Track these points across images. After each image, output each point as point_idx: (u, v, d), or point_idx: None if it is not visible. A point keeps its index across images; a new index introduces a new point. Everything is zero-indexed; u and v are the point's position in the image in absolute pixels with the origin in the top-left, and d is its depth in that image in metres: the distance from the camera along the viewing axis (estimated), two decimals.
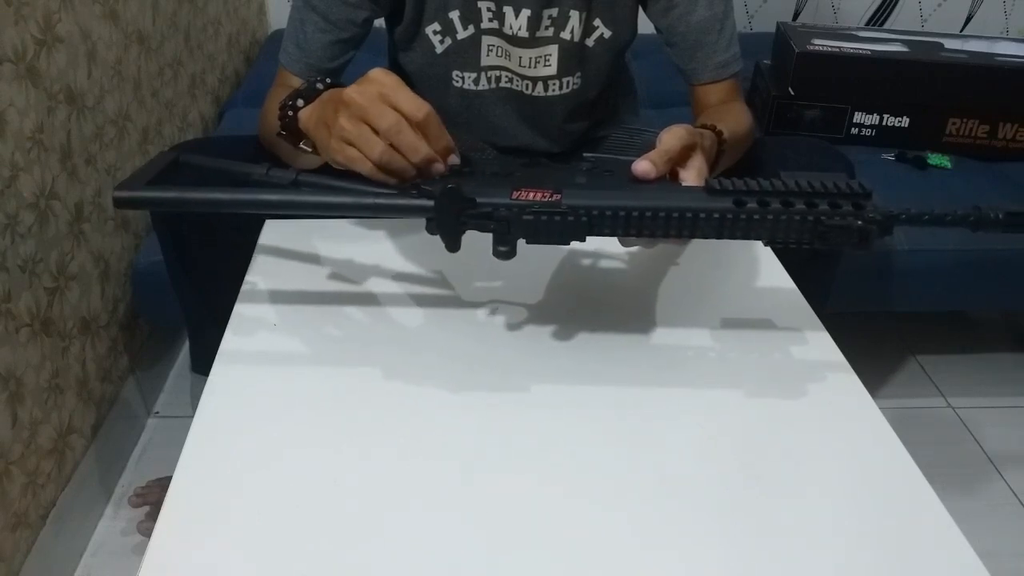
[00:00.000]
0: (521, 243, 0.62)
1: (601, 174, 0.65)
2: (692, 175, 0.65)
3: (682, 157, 0.66)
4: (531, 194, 0.60)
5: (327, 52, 0.91)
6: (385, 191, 0.63)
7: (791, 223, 0.59)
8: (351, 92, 0.63)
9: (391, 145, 0.62)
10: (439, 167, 0.63)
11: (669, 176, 0.65)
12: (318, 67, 0.91)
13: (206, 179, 0.73)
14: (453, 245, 0.62)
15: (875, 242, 0.59)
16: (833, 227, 0.58)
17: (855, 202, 0.59)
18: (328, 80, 0.73)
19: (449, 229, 0.61)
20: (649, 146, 0.65)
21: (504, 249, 0.62)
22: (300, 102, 0.72)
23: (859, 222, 0.58)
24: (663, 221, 0.60)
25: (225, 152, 0.98)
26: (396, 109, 0.62)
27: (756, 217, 0.59)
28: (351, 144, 0.63)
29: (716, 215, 0.59)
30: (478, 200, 0.60)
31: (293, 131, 0.74)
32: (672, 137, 0.65)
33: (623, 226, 0.60)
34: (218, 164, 0.73)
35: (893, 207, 0.60)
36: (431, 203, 0.61)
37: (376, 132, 0.62)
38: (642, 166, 0.63)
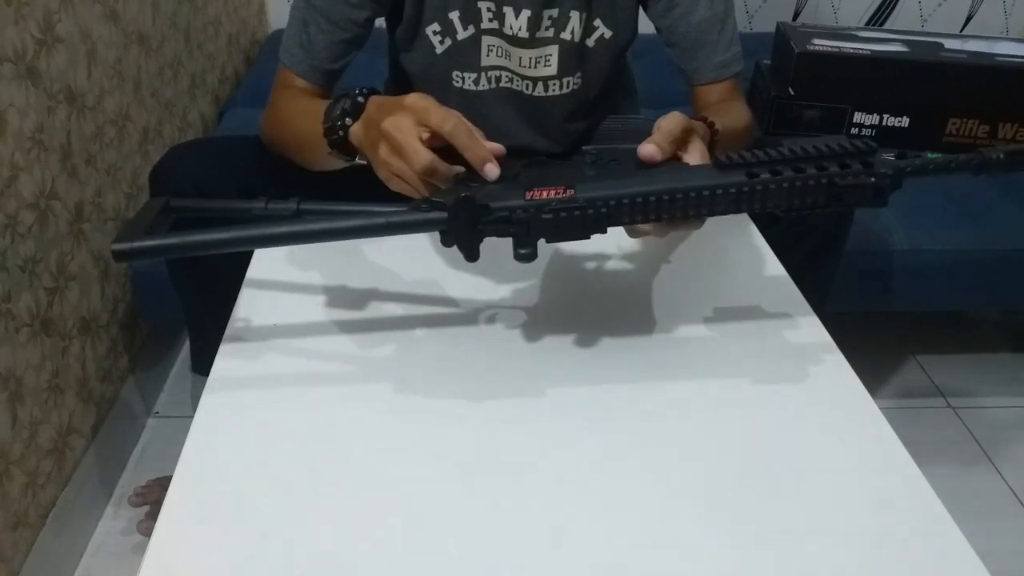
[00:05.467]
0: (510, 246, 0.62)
1: (607, 164, 0.64)
2: (695, 158, 0.65)
3: (683, 140, 0.66)
4: (545, 192, 0.60)
5: (331, 52, 0.91)
6: (395, 209, 0.62)
7: (806, 188, 0.59)
8: (387, 125, 0.65)
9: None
10: (493, 170, 0.63)
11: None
12: (322, 68, 0.91)
13: (207, 178, 0.73)
14: (472, 255, 0.62)
15: (889, 196, 0.59)
16: (847, 187, 0.58)
17: (863, 160, 0.59)
18: (366, 90, 0.73)
19: (466, 239, 0.60)
20: (642, 131, 0.65)
21: (525, 252, 0.61)
22: (348, 120, 0.72)
23: (872, 179, 0.58)
24: (681, 202, 0.59)
25: (225, 153, 0.99)
26: (430, 129, 0.63)
27: (772, 187, 0.59)
28: (398, 176, 0.66)
29: (732, 189, 0.59)
30: (492, 206, 0.60)
31: (344, 149, 0.74)
32: (671, 120, 0.65)
33: (642, 212, 0.60)
34: (211, 204, 0.73)
35: (900, 161, 0.60)
36: (444, 215, 0.60)
37: None
38: (648, 149, 0.62)
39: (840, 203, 0.59)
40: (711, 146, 0.76)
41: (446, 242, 0.61)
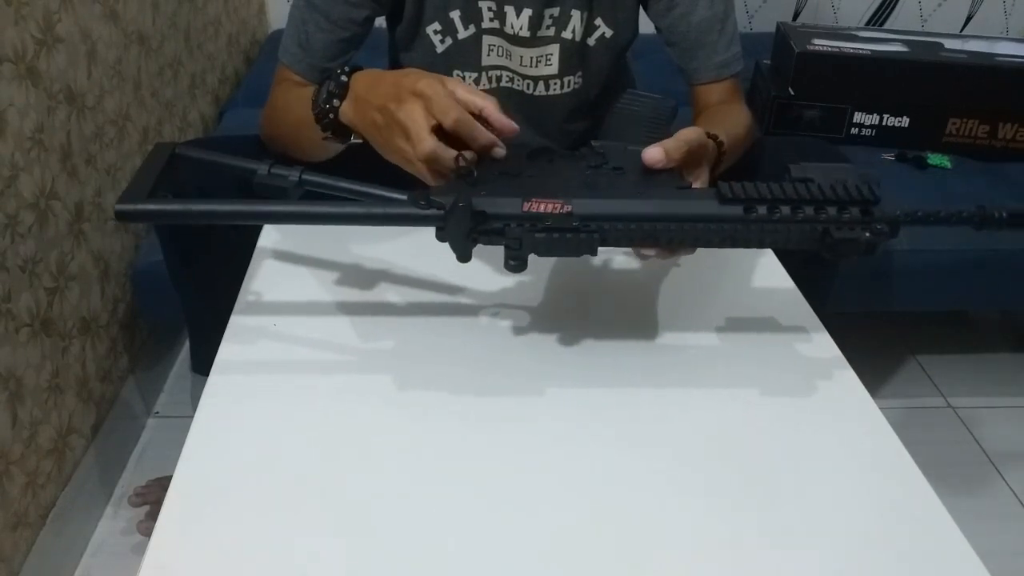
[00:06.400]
0: None
1: (609, 172, 0.64)
2: (699, 185, 0.66)
3: (695, 155, 0.66)
4: (542, 205, 0.60)
5: (329, 51, 0.91)
6: (395, 196, 0.63)
7: (803, 233, 0.59)
8: (403, 117, 0.65)
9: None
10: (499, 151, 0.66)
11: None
12: (320, 67, 0.91)
13: (208, 176, 0.73)
14: (464, 257, 0.62)
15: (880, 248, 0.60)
16: (841, 240, 0.58)
17: (863, 208, 0.59)
18: (348, 68, 0.74)
19: (459, 243, 0.61)
20: (657, 113, 0.66)
21: (515, 263, 0.61)
22: (336, 102, 0.73)
23: (867, 234, 0.58)
24: (675, 232, 0.59)
25: (225, 152, 0.99)
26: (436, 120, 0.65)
27: (767, 228, 0.59)
28: (409, 160, 0.67)
29: (727, 225, 0.59)
30: (489, 213, 0.60)
31: (337, 130, 0.74)
32: (691, 132, 0.65)
33: (636, 238, 0.60)
34: (218, 158, 0.72)
35: (898, 210, 0.60)
36: (441, 213, 0.60)
37: None
38: (655, 153, 0.62)
39: (832, 252, 0.59)
40: (716, 164, 0.76)
41: (440, 237, 0.62)
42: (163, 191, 0.67)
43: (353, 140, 0.75)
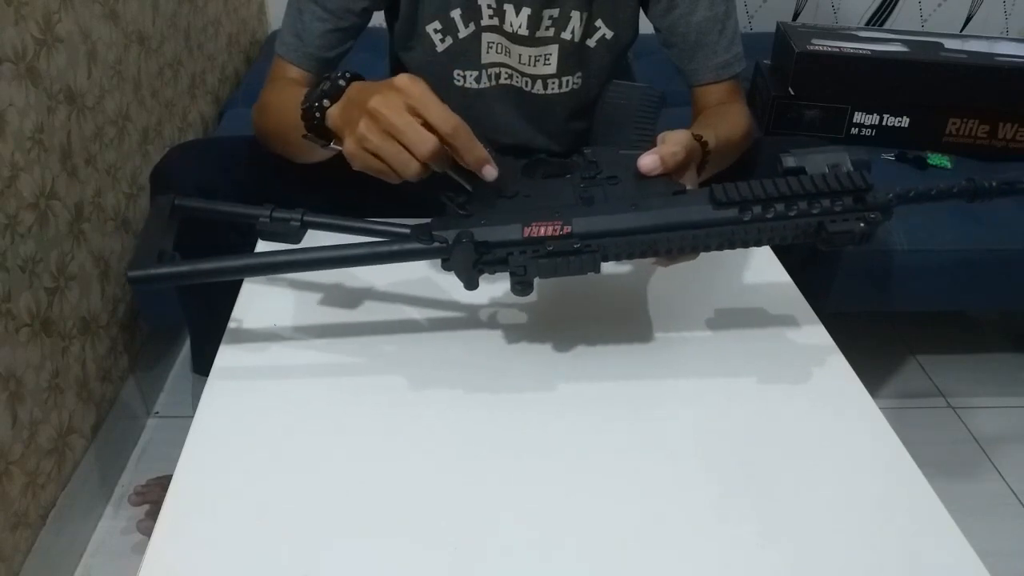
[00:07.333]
0: None
1: (604, 183, 0.64)
2: (688, 185, 0.66)
3: (685, 162, 0.66)
4: (542, 228, 0.60)
5: (325, 41, 0.90)
6: (398, 228, 0.64)
7: (798, 228, 0.60)
8: (376, 104, 0.60)
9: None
10: (491, 171, 0.62)
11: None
12: (316, 56, 0.90)
13: (210, 224, 0.73)
14: (471, 285, 0.63)
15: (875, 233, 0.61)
16: (836, 232, 0.59)
17: (857, 195, 0.60)
18: (348, 74, 0.71)
19: (466, 275, 0.62)
20: (645, 103, 0.67)
21: (521, 287, 0.62)
22: (327, 102, 0.69)
23: (861, 224, 0.59)
24: (676, 241, 0.61)
25: (225, 153, 0.99)
26: (425, 123, 0.59)
27: (763, 226, 0.60)
28: (378, 157, 0.61)
29: (724, 228, 0.60)
30: (491, 242, 0.61)
31: (321, 132, 0.71)
32: (680, 134, 0.66)
33: (638, 250, 0.61)
34: (218, 207, 0.73)
35: (889, 193, 0.61)
36: (445, 245, 0.62)
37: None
38: (650, 162, 0.63)
39: (829, 244, 0.60)
40: (702, 165, 0.76)
41: (446, 267, 0.63)
42: (170, 249, 0.67)
43: (333, 146, 0.71)
